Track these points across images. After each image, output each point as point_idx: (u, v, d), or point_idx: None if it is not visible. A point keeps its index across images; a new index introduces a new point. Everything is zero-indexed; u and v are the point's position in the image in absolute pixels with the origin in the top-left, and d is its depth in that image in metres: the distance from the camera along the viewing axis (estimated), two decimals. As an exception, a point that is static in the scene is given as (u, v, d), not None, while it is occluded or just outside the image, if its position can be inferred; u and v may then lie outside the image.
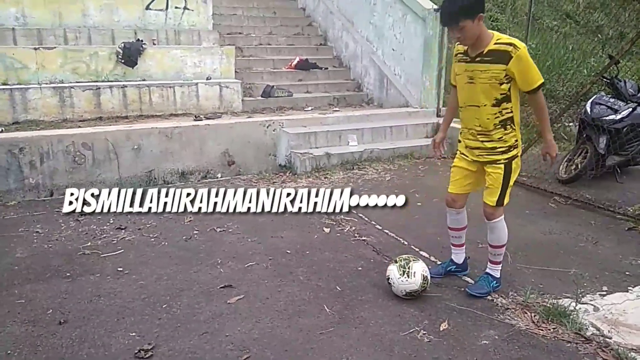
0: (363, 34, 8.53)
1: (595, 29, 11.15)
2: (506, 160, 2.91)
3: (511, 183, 2.96)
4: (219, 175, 5.91)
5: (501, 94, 2.79)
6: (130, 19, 7.62)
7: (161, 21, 7.82)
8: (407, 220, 4.39)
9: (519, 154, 2.98)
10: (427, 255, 3.69)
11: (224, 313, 2.90)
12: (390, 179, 5.59)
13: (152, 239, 3.94)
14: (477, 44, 2.77)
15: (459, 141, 3.13)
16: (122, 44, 6.85)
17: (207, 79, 7.19)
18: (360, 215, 4.48)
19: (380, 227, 4.21)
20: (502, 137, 2.88)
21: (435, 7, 7.02)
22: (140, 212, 4.48)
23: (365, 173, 5.80)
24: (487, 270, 3.19)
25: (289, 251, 3.75)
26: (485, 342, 2.65)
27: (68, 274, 3.34)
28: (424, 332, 2.72)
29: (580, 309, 2.96)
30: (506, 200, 2.99)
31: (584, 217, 4.55)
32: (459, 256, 3.36)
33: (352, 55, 8.76)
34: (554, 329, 2.77)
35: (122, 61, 6.77)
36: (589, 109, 5.45)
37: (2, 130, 5.51)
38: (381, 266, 3.52)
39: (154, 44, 7.38)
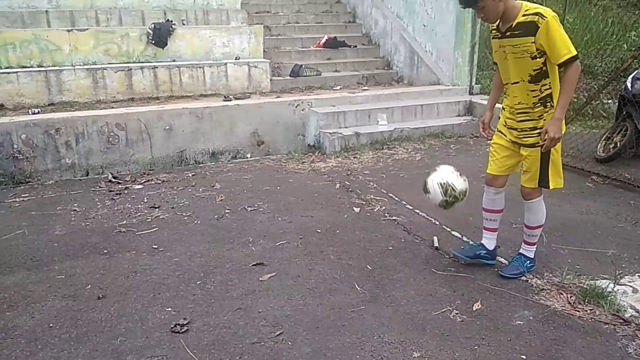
0: (393, 9, 8.36)
1: (637, 1, 10.63)
2: (545, 142, 2.73)
3: (553, 164, 2.81)
4: (249, 155, 5.95)
5: (535, 70, 2.67)
6: (160, 0, 7.66)
7: (190, 1, 7.84)
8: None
9: (563, 132, 2.79)
10: (459, 235, 3.64)
11: (256, 290, 2.94)
12: (420, 159, 5.51)
13: (185, 218, 4.01)
14: (505, 18, 2.66)
15: (499, 118, 3.02)
16: (152, 25, 6.90)
17: (236, 58, 7.19)
18: (391, 195, 4.44)
19: (411, 207, 4.17)
20: (542, 115, 2.75)
21: (468, -20, 6.81)
22: (173, 191, 4.58)
23: (395, 153, 5.74)
24: (521, 250, 3.11)
25: (319, 230, 3.76)
26: (519, 322, 2.61)
27: (105, 251, 3.44)
28: (457, 312, 2.70)
29: (618, 290, 2.88)
30: (553, 184, 2.85)
31: (622, 197, 4.40)
32: (490, 242, 3.17)
33: (381, 32, 8.61)
34: (590, 310, 2.71)
35: (153, 42, 6.82)
36: (629, 85, 5.23)
37: (38, 111, 5.66)
38: (412, 246, 3.50)
39: (183, 24, 7.42)
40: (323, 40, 8.39)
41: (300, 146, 6.12)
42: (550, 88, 2.72)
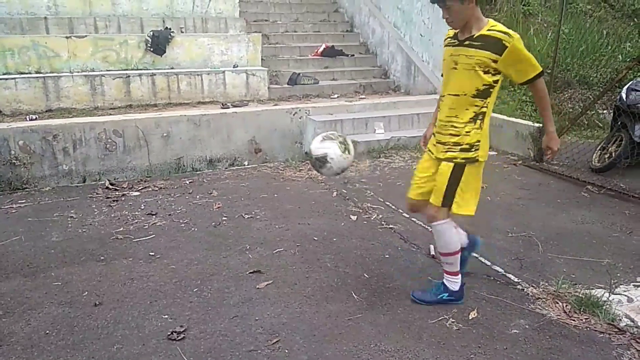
0: (390, 19, 8.43)
1: (632, 13, 10.75)
2: (462, 160, 2.62)
3: (461, 190, 2.64)
4: (246, 163, 5.96)
5: (483, 85, 2.55)
6: (159, 7, 7.71)
7: (189, 9, 7.89)
8: (435, 209, 4.35)
9: (480, 159, 2.65)
10: (455, 244, 3.65)
11: (253, 298, 2.94)
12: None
13: (182, 225, 4.01)
14: (468, 27, 2.56)
15: (433, 135, 2.83)
16: (151, 32, 6.93)
17: (234, 66, 7.23)
18: (388, 203, 4.46)
19: (407, 215, 4.18)
20: (469, 132, 2.61)
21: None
22: (170, 198, 4.59)
23: (392, 161, 5.76)
24: (444, 279, 2.88)
25: (316, 238, 3.77)
26: (515, 331, 2.63)
27: (102, 258, 3.43)
28: (453, 320, 2.71)
29: (613, 299, 2.90)
30: (459, 208, 2.65)
31: (617, 206, 4.43)
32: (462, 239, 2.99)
33: (378, 41, 8.67)
34: (586, 319, 2.72)
35: (151, 49, 6.86)
36: (624, 96, 5.28)
37: (36, 117, 5.67)
38: (409, 254, 3.52)
39: (181, 32, 7.46)
40: (321, 49, 8.44)
41: (298, 154, 6.14)
42: (487, 108, 2.62)
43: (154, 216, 4.18)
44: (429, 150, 2.82)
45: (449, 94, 2.66)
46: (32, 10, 7.12)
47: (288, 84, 7.54)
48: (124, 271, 3.25)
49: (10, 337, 2.56)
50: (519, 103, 7.34)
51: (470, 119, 2.62)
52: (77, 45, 6.62)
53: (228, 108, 6.31)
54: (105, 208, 4.37)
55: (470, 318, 2.73)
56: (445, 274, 2.87)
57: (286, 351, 2.45)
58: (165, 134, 5.54)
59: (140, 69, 6.81)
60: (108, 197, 4.63)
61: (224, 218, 4.15)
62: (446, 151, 2.66)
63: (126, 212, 4.26)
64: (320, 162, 2.92)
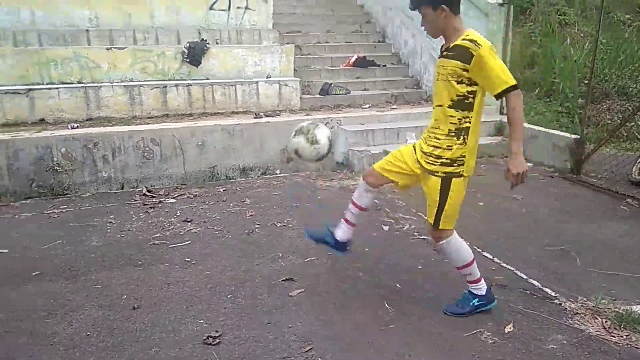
0: (423, 29, 8.40)
1: (673, 22, 10.43)
2: (444, 175, 2.62)
3: (449, 205, 2.65)
4: (278, 172, 6.03)
5: (458, 95, 2.53)
6: (195, 20, 7.89)
7: (224, 21, 8.05)
8: (467, 220, 4.29)
9: (464, 174, 2.64)
10: (490, 256, 3.61)
11: (285, 305, 2.97)
12: (449, 178, 5.49)
13: (217, 232, 4.09)
14: (447, 38, 2.58)
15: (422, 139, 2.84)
16: (188, 44, 7.11)
17: (267, 77, 7.33)
18: (420, 214, 4.44)
19: (440, 226, 4.15)
20: (450, 146, 2.59)
21: (499, 1, 6.83)
22: (204, 206, 4.68)
23: (424, 171, 5.73)
24: (469, 288, 2.90)
25: (347, 247, 3.76)
26: (552, 346, 2.57)
27: (140, 263, 3.53)
28: (488, 334, 2.67)
29: (656, 317, 2.80)
30: (444, 225, 2.70)
31: (659, 221, 4.29)
32: (342, 232, 3.07)
33: (411, 51, 8.66)
34: (627, 336, 2.64)
35: (188, 60, 7.02)
36: (666, 107, 5.13)
37: (77, 126, 5.87)
38: (442, 265, 3.49)
39: (217, 43, 7.61)
40: (352, 60, 8.48)
41: (329, 163, 6.17)
42: (469, 123, 2.58)
43: (189, 223, 4.27)
44: (414, 147, 2.80)
45: (434, 105, 2.69)
46: (74, 22, 7.40)
47: (320, 94, 7.60)
48: (160, 276, 3.33)
49: (53, 337, 2.65)
50: (555, 114, 7.20)
51: (450, 131, 2.59)
52: (117, 56, 6.84)
53: (261, 118, 6.40)
54: (142, 214, 4.49)
55: (506, 332, 2.69)
56: (468, 284, 2.88)
57: (319, 359, 2.46)
58: (200, 143, 5.66)
59: (177, 80, 6.98)
60: (145, 204, 4.76)
61: (256, 226, 4.21)
62: (430, 163, 2.67)
63: (163, 219, 4.37)
64: (295, 155, 3.21)
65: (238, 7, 8.08)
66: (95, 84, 6.58)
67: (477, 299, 2.84)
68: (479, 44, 2.45)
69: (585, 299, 3.00)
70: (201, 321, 2.79)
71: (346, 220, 3.07)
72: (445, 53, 2.58)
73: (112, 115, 6.48)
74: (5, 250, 3.72)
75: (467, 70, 2.48)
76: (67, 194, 5.10)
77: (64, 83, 6.62)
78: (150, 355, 2.49)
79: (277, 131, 6.02)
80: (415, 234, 4.03)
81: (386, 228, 4.16)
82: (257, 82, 7.12)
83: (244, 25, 8.15)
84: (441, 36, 2.65)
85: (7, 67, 6.40)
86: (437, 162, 2.63)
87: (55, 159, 5.11)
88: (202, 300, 3.01)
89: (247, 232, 4.09)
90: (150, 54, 6.98)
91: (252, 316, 2.85)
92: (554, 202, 4.78)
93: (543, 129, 6.24)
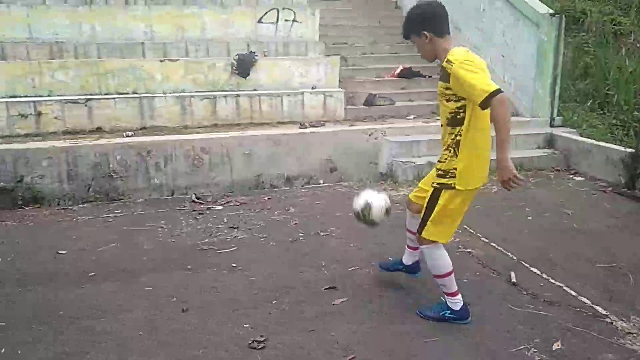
0: (470, 40, 8.32)
1: None
2: (437, 185, 2.74)
3: (437, 214, 2.72)
4: (321, 181, 6.08)
5: (450, 113, 2.65)
6: (244, 32, 8.12)
7: (271, 33, 8.24)
8: (515, 234, 4.22)
9: (458, 187, 2.68)
10: (538, 272, 3.52)
11: (328, 313, 3.00)
12: (496, 191, 5.38)
13: (262, 239, 4.18)
14: (440, 60, 2.68)
15: None
16: (237, 56, 7.32)
17: (313, 88, 7.44)
18: (465, 226, 4.38)
19: (486, 240, 4.09)
20: (445, 160, 2.72)
21: (551, 11, 6.69)
22: (250, 213, 4.79)
23: (470, 183, 5.64)
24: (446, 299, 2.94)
25: (390, 258, 3.76)
26: (603, 366, 2.49)
27: (188, 267, 3.65)
28: (535, 350, 2.61)
29: None
30: (427, 233, 2.78)
31: None
32: (407, 257, 3.29)
33: (457, 63, 8.57)
34: (684, 359, 2.52)
35: (237, 72, 7.23)
36: None
37: (132, 134, 6.15)
38: (487, 280, 3.43)
39: (265, 55, 7.80)
40: (398, 71, 8.48)
41: (372, 174, 6.18)
42: (460, 136, 2.65)
43: (235, 229, 4.38)
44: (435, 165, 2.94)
45: (441, 124, 2.83)
46: (131, 35, 7.76)
47: (364, 105, 7.64)
48: (208, 280, 3.44)
49: (107, 335, 2.79)
50: (609, 127, 6.94)
51: (448, 146, 2.72)
52: (170, 68, 7.12)
53: (306, 128, 6.50)
54: (191, 220, 4.65)
55: (553, 349, 2.62)
56: (444, 295, 2.92)
57: (361, 368, 2.48)
58: (247, 152, 5.80)
59: (226, 91, 7.19)
60: (194, 210, 4.93)
61: (300, 234, 4.27)
62: (434, 173, 2.83)
63: (210, 225, 4.51)
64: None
65: (286, 20, 8.26)
66: (149, 95, 6.87)
67: (449, 312, 2.89)
68: (451, 62, 2.53)
69: (638, 319, 2.88)
70: (246, 325, 2.86)
71: (409, 247, 3.27)
72: (439, 75, 2.74)
73: (164, 124, 6.74)
74: (65, 252, 3.94)
75: (449, 89, 2.60)
76: (121, 199, 5.34)
77: (120, 93, 6.94)
78: (198, 356, 2.58)
79: (321, 141, 6.10)
80: (461, 247, 3.98)
81: (430, 240, 4.13)
82: (302, 93, 7.23)
83: (291, 37, 8.31)
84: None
85: (69, 78, 6.79)
86: (437, 173, 2.79)
87: (111, 166, 5.37)
88: (247, 305, 3.09)
89: (291, 240, 4.15)
90: (201, 65, 7.23)
91: (295, 322, 2.90)
92: (606, 217, 4.60)
93: (596, 142, 6.03)
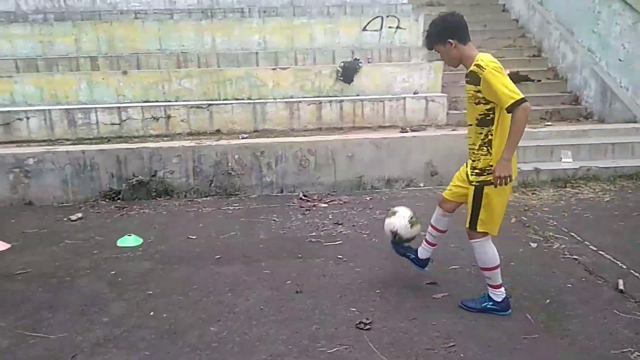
0: (584, 43, 7.98)
1: None
2: (477, 183, 2.91)
3: (483, 210, 2.92)
4: (421, 185, 6.22)
5: (480, 114, 2.84)
6: (349, 40, 8.50)
7: (375, 40, 8.53)
8: (627, 244, 4.08)
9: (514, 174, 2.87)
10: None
11: (430, 305, 3.19)
12: (609, 200, 5.19)
13: (364, 235, 4.45)
14: (465, 66, 2.87)
15: None
16: (342, 63, 7.69)
17: (415, 93, 7.59)
18: (572, 234, 4.32)
19: (594, 248, 4.01)
20: (480, 158, 2.90)
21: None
22: (353, 212, 5.09)
23: (580, 192, 5.48)
24: (488, 290, 3.13)
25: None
26: None
27: (299, 256, 4.03)
28: (638, 354, 2.60)
29: None
30: (481, 227, 2.95)
31: None
32: (423, 252, 3.42)
33: (569, 66, 8.26)
34: None
35: (341, 78, 7.61)
36: None
37: (247, 136, 6.73)
38: (593, 286, 3.41)
39: (368, 61, 8.10)
40: (503, 75, 8.34)
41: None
42: (493, 135, 2.84)
43: (340, 225, 4.70)
44: (466, 163, 3.11)
45: (467, 124, 3.02)
46: (247, 46, 8.47)
47: (467, 110, 7.63)
48: (317, 268, 3.78)
49: (235, 307, 3.22)
50: None
51: (479, 146, 2.90)
52: (281, 75, 7.67)
53: (407, 132, 6.67)
54: (300, 215, 5.05)
55: (662, 356, 2.59)
56: (488, 287, 3.11)
57: (461, 355, 2.65)
58: (350, 154, 6.11)
59: (331, 96, 7.59)
60: (302, 207, 5.33)
61: (402, 233, 4.47)
62: (470, 174, 2.98)
63: (317, 220, 4.87)
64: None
65: (390, 27, 8.51)
66: (261, 100, 7.46)
67: (491, 303, 3.09)
68: (483, 68, 2.73)
69: None
70: (353, 309, 3.15)
71: (427, 241, 3.44)
72: (466, 79, 2.91)
73: (274, 127, 7.29)
74: (194, 237, 4.51)
75: (480, 92, 2.79)
76: (237, 194, 5.90)
77: (236, 99, 7.62)
78: (312, 332, 2.90)
79: (422, 145, 6.24)
80: (566, 253, 3.95)
81: (534, 245, 4.14)
82: (404, 98, 7.42)
83: (394, 43, 8.54)
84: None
85: (193, 85, 7.60)
86: (474, 172, 2.95)
87: (229, 164, 5.96)
88: (353, 292, 3.38)
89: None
90: (309, 73, 7.70)
91: (398, 311, 3.12)
92: None
93: None
